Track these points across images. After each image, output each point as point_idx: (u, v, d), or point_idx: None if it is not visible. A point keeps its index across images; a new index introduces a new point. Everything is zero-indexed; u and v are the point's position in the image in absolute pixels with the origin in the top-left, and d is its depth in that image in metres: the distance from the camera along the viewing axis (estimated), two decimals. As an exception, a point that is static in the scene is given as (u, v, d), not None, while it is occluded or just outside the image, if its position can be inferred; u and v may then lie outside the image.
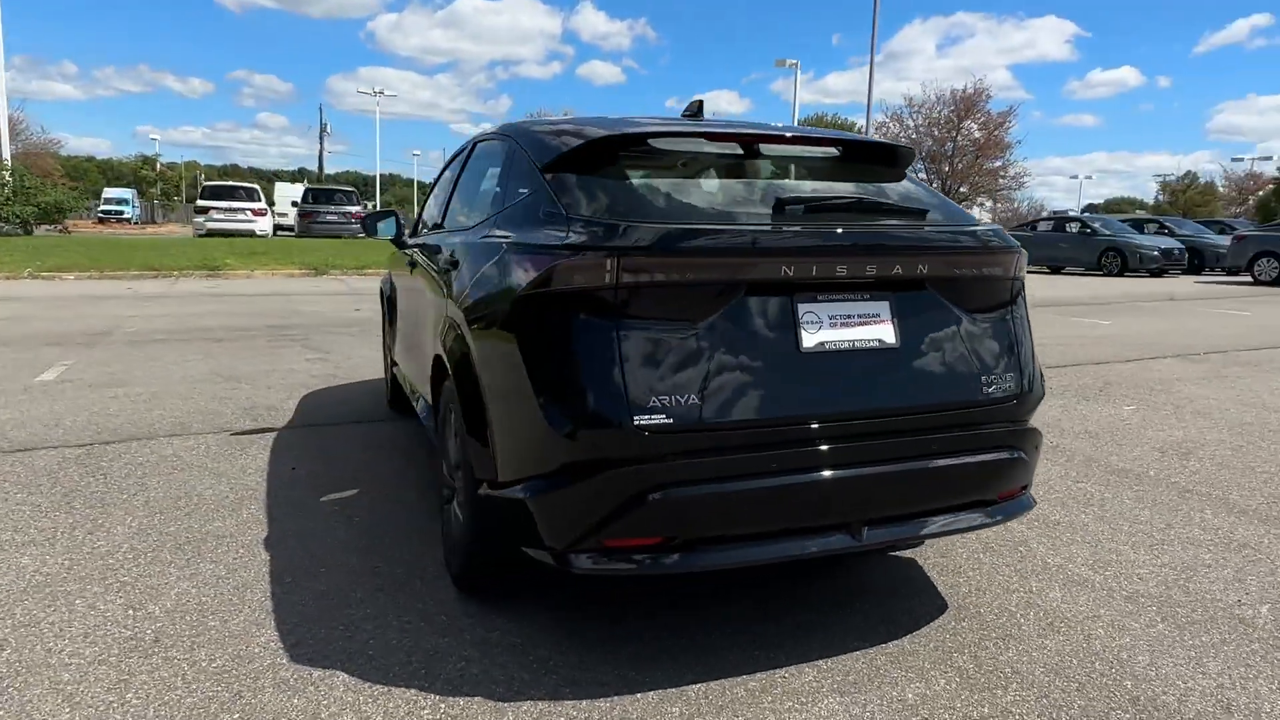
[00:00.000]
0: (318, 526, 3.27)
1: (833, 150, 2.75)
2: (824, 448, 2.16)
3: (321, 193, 29.97)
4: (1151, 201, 77.24)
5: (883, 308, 2.27)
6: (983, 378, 2.35)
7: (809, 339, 2.18)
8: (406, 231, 4.44)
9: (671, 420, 2.04)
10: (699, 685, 2.19)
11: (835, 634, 2.46)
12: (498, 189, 2.94)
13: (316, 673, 2.22)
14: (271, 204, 33.73)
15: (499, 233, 2.57)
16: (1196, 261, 21.66)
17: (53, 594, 2.65)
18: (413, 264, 3.77)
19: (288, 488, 3.71)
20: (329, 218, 26.09)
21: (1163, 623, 2.57)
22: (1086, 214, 31.93)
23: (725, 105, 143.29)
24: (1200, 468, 4.21)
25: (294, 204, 33.98)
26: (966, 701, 2.14)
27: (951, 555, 3.04)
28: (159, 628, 2.45)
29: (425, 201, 4.52)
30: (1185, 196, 67.37)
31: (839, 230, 2.21)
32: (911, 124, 44.87)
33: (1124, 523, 3.41)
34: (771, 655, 2.34)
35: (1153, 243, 19.60)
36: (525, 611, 2.57)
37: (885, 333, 2.26)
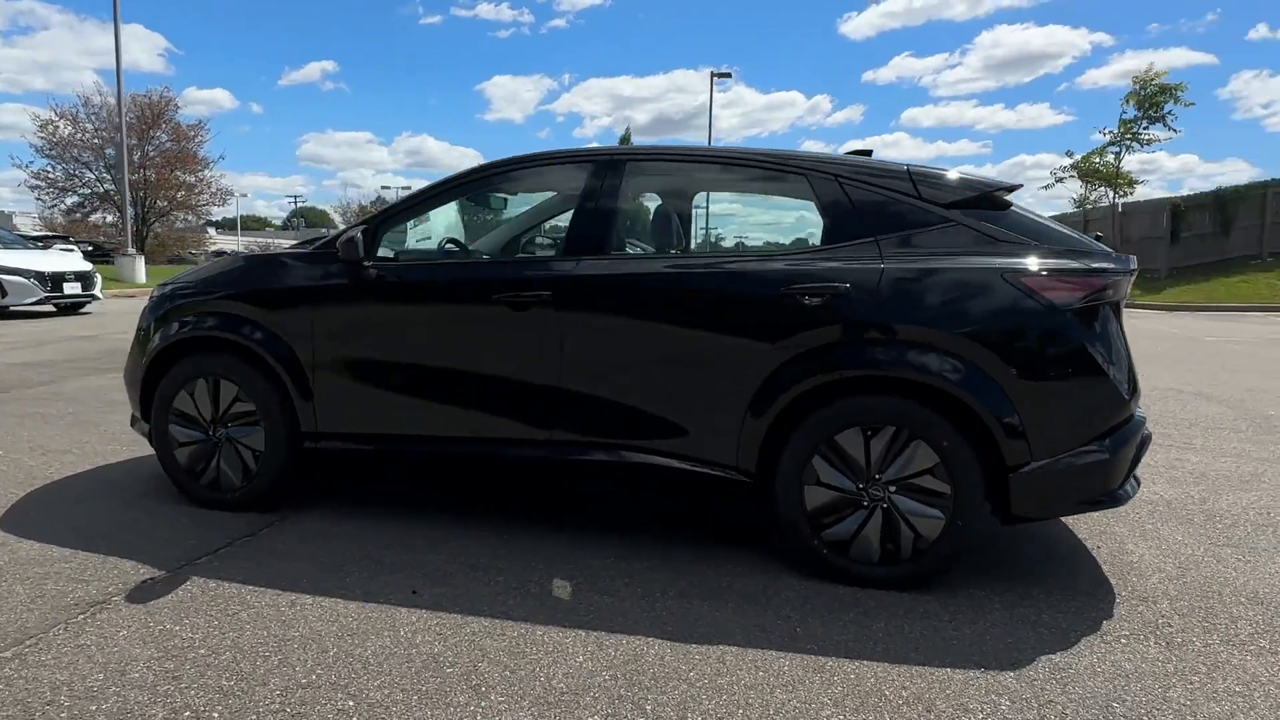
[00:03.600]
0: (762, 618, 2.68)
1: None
2: None
3: None
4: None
5: None
6: None
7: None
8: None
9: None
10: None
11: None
12: (823, 219, 3.03)
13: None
14: None
15: (911, 261, 2.86)
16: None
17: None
18: (584, 298, 3.14)
19: (515, 618, 2.70)
20: None
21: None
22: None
23: None
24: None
25: None
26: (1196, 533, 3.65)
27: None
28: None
29: (412, 224, 3.43)
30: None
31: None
32: (91, 126, 39.47)
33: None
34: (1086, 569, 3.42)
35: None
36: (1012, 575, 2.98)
37: None
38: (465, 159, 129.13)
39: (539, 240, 4.36)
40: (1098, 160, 24.89)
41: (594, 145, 3.40)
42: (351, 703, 2.14)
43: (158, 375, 3.67)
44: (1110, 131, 24.43)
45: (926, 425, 2.82)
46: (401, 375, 3.36)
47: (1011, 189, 3.07)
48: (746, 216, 3.57)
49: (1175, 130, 23.71)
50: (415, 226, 3.67)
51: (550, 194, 3.93)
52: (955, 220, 2.95)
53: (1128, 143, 24.02)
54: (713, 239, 3.54)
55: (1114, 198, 24.67)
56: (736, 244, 3.59)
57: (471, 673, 2.30)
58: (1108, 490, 2.86)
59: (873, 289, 2.89)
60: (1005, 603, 2.83)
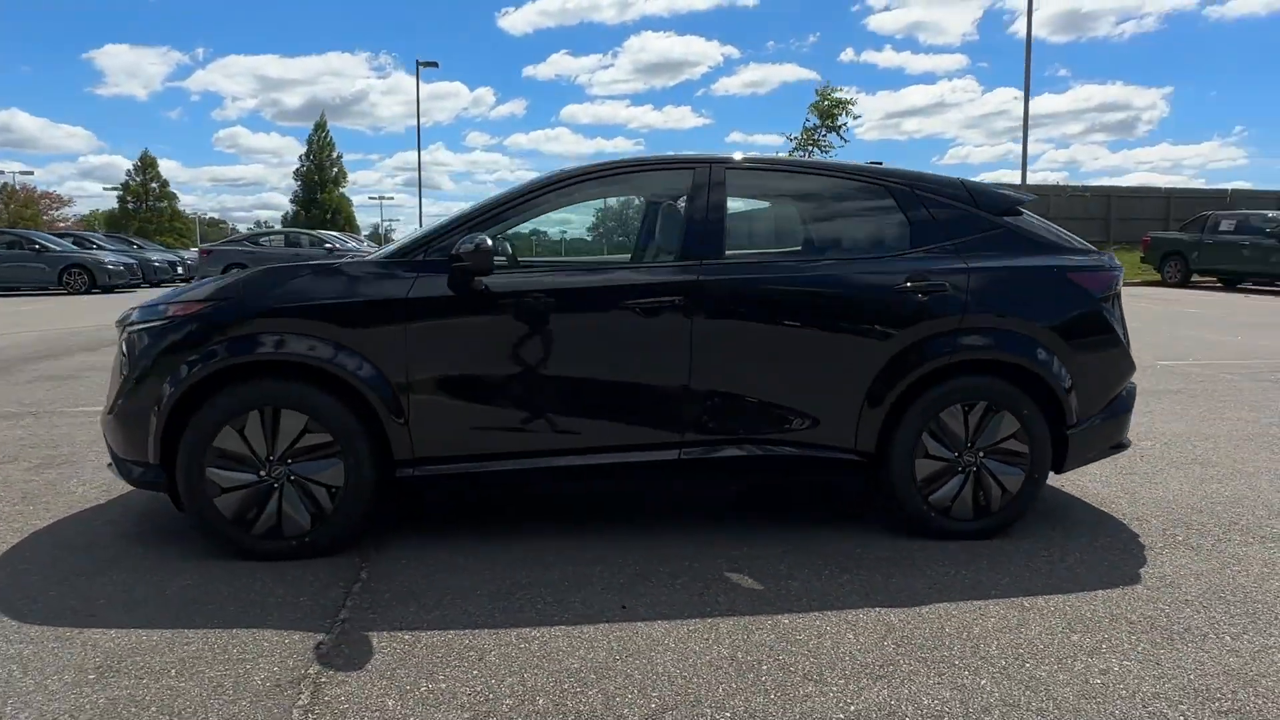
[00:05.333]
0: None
1: None
2: None
3: None
4: None
5: None
6: None
7: None
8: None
9: None
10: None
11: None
12: (907, 225, 3.44)
13: None
14: None
15: (987, 261, 3.41)
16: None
17: None
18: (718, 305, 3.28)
19: (745, 613, 2.76)
20: None
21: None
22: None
23: None
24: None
25: None
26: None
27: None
28: None
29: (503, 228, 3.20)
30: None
31: None
32: None
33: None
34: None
35: (117, 259, 19.46)
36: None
37: None
38: (73, 139, 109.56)
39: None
40: (783, 164, 28.56)
41: (687, 153, 3.53)
42: (727, 714, 2.16)
43: (185, 412, 3.08)
44: (795, 137, 28.24)
45: (1012, 398, 3.39)
46: (520, 388, 3.21)
47: (1028, 201, 3.75)
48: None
49: (845, 139, 28.18)
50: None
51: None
52: (1005, 226, 3.55)
53: (810, 148, 27.83)
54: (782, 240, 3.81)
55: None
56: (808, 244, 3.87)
57: (789, 663, 2.41)
58: (1121, 439, 3.66)
59: (964, 285, 3.38)
60: (1066, 537, 3.49)
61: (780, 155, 4.55)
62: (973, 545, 3.38)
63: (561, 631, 2.61)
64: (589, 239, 4.51)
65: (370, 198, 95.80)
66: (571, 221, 4.53)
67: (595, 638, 2.57)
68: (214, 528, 3.13)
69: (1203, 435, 5.30)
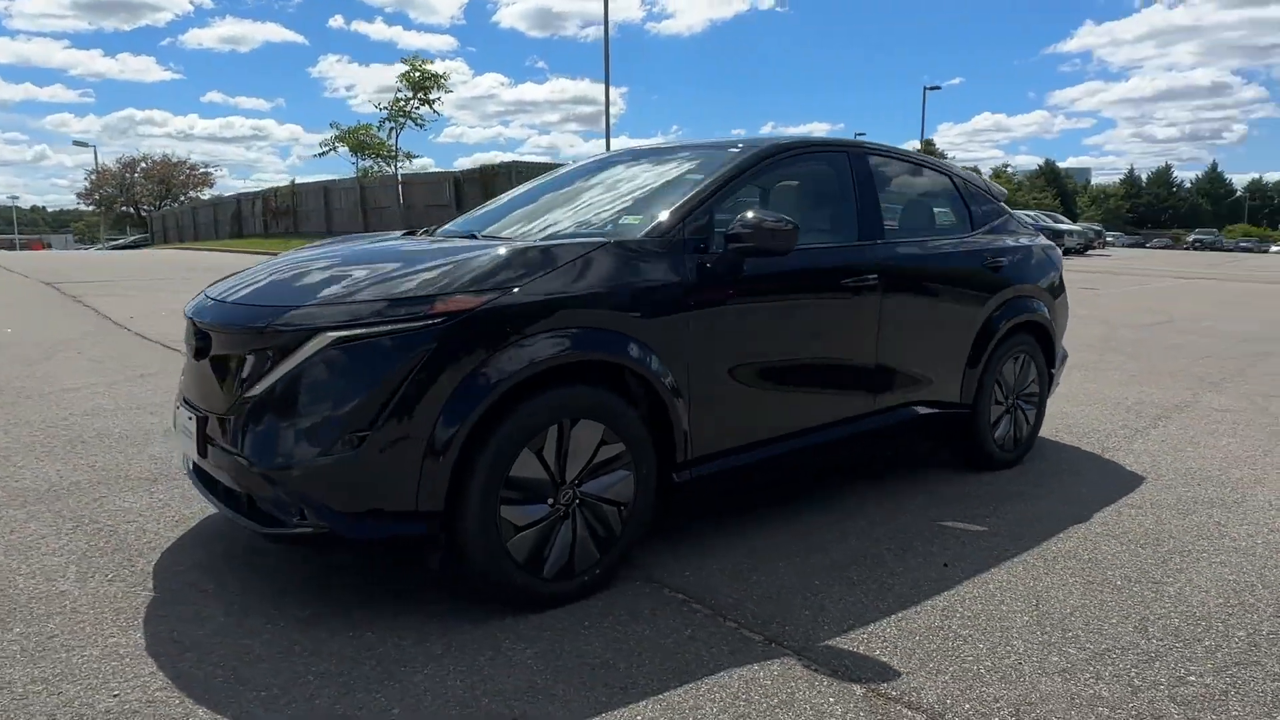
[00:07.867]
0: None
1: None
2: None
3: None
4: None
5: None
6: None
7: None
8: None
9: None
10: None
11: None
12: (966, 211, 4.07)
13: None
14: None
15: (1015, 241, 4.24)
16: None
17: None
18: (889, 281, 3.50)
19: (1015, 553, 3.08)
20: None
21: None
22: None
23: None
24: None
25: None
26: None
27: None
28: None
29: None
30: None
31: None
32: None
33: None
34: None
35: None
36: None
37: None
38: None
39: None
40: (364, 135, 27.04)
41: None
42: (1175, 619, 2.59)
43: (476, 441, 2.34)
44: (384, 106, 26.60)
45: (1034, 349, 4.29)
46: (778, 373, 3.14)
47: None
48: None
49: (438, 113, 27.41)
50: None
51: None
52: (1007, 213, 4.41)
53: (401, 120, 26.49)
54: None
55: (394, 169, 27.25)
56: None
57: (1131, 574, 2.90)
58: (1059, 378, 4.83)
59: (1012, 260, 4.16)
60: (1065, 463, 4.50)
61: (909, 150, 4.62)
62: (1008, 474, 4.18)
63: (953, 597, 2.74)
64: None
65: None
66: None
67: (989, 596, 2.76)
68: (498, 580, 2.46)
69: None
